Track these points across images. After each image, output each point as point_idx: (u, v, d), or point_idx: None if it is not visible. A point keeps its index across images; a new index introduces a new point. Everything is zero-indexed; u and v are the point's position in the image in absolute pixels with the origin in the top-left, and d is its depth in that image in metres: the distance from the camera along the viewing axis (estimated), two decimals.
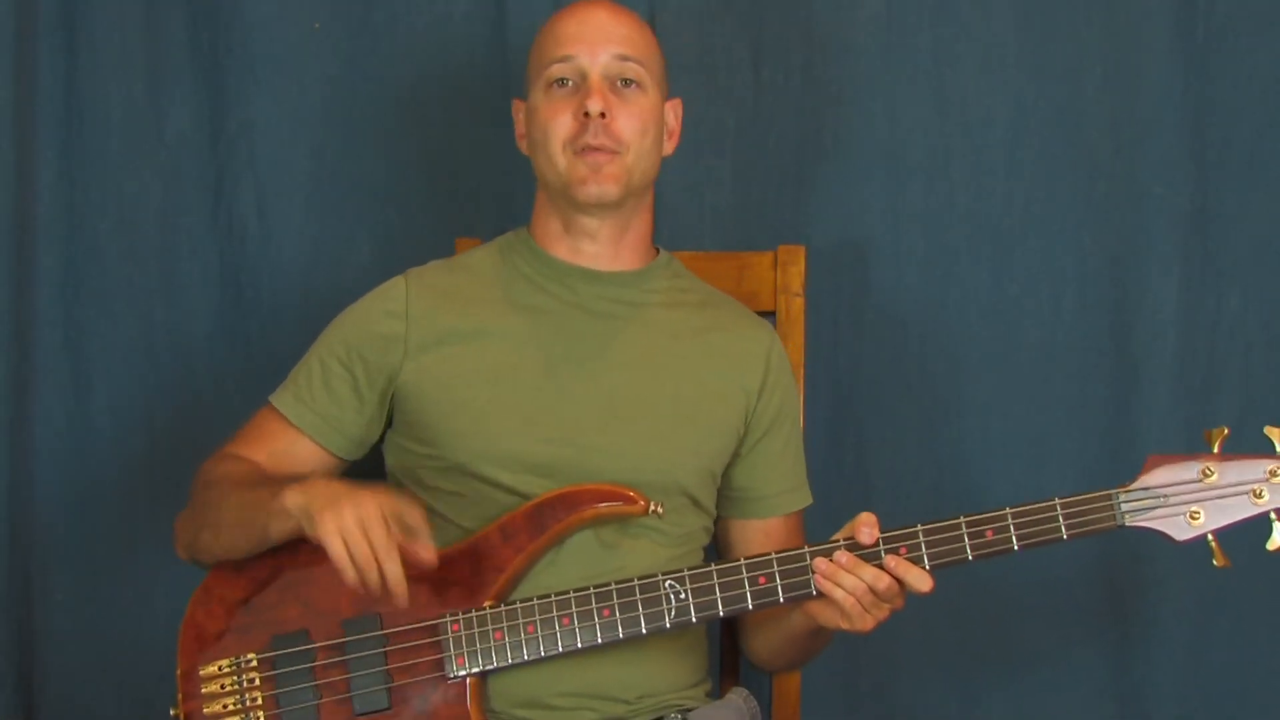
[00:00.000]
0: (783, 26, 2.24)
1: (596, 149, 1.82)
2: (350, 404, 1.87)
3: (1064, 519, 1.69)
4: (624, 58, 1.84)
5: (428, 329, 1.86)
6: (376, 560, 1.65)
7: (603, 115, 1.81)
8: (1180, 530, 1.68)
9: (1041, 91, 2.21)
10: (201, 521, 1.81)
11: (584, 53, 1.84)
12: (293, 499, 1.70)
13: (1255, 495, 1.66)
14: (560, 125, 1.84)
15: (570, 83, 1.84)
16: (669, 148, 1.93)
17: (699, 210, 2.26)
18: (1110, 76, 2.20)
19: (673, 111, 1.93)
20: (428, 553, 1.68)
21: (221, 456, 1.88)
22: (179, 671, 1.79)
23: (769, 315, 2.10)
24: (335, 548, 1.65)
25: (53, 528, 2.25)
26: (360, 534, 1.65)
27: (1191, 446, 1.72)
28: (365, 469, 1.96)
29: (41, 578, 2.25)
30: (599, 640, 1.74)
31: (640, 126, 1.84)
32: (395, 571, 1.66)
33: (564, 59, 1.84)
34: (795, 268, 2.12)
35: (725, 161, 2.25)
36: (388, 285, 1.91)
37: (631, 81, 1.85)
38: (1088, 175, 2.20)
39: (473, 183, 2.28)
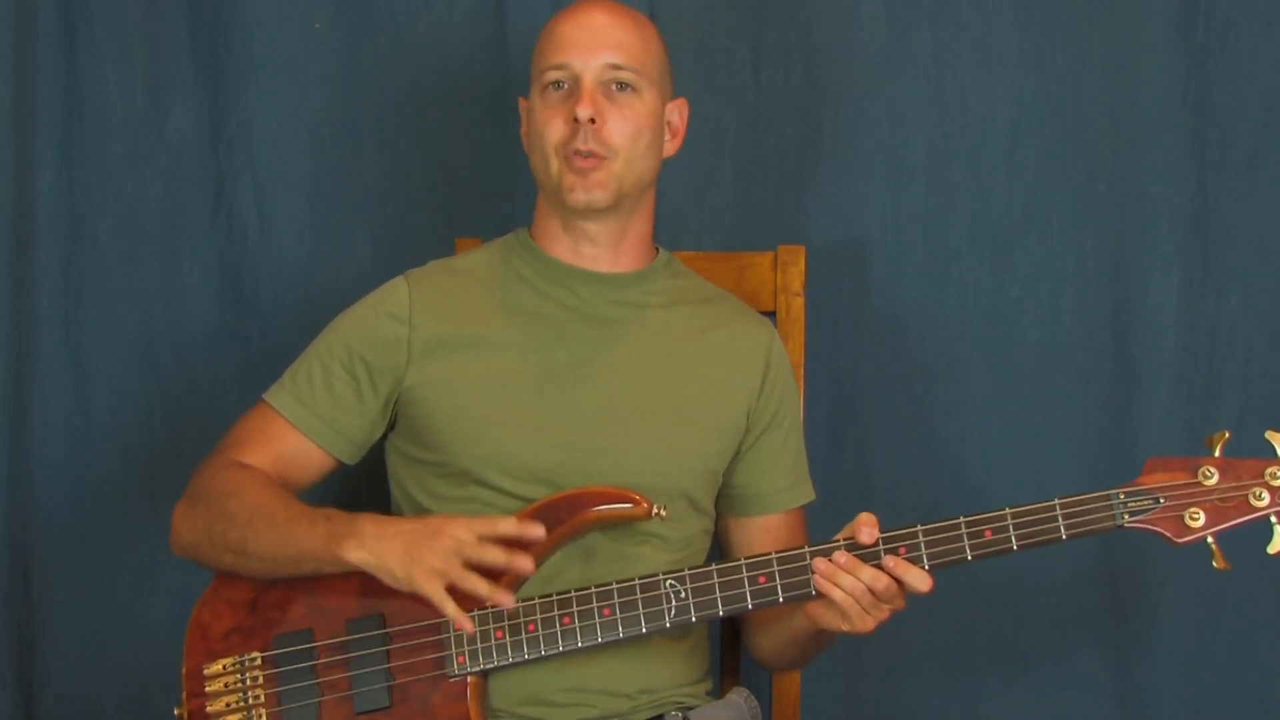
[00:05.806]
0: (783, 26, 2.24)
1: (585, 155, 1.82)
2: (353, 408, 1.87)
3: (1063, 519, 1.69)
4: (617, 66, 1.84)
5: (430, 334, 1.86)
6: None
7: (592, 121, 1.82)
8: (1179, 532, 1.68)
9: (1041, 91, 2.21)
10: (223, 543, 1.80)
11: (578, 59, 1.84)
12: (357, 555, 1.71)
13: (1255, 498, 1.66)
14: (553, 130, 1.84)
15: (565, 86, 1.85)
16: (671, 148, 1.93)
17: (699, 210, 2.25)
18: (1110, 76, 2.19)
19: (677, 111, 1.93)
20: (505, 597, 1.71)
21: (231, 463, 1.85)
22: (184, 670, 1.79)
23: (769, 315, 2.10)
24: (448, 608, 1.69)
25: (52, 527, 2.25)
26: (458, 571, 1.68)
27: (1191, 446, 1.72)
28: (364, 471, 1.96)
29: (41, 578, 2.25)
30: (599, 640, 1.75)
31: (633, 131, 1.84)
32: (481, 586, 1.69)
33: (558, 65, 1.84)
34: (795, 268, 2.12)
35: (725, 161, 2.25)
36: (389, 287, 1.91)
37: (626, 85, 1.85)
38: (1088, 175, 2.20)
39: (473, 183, 2.27)
